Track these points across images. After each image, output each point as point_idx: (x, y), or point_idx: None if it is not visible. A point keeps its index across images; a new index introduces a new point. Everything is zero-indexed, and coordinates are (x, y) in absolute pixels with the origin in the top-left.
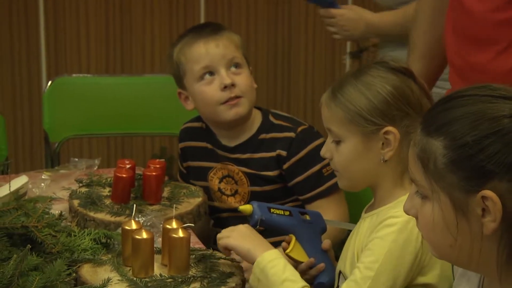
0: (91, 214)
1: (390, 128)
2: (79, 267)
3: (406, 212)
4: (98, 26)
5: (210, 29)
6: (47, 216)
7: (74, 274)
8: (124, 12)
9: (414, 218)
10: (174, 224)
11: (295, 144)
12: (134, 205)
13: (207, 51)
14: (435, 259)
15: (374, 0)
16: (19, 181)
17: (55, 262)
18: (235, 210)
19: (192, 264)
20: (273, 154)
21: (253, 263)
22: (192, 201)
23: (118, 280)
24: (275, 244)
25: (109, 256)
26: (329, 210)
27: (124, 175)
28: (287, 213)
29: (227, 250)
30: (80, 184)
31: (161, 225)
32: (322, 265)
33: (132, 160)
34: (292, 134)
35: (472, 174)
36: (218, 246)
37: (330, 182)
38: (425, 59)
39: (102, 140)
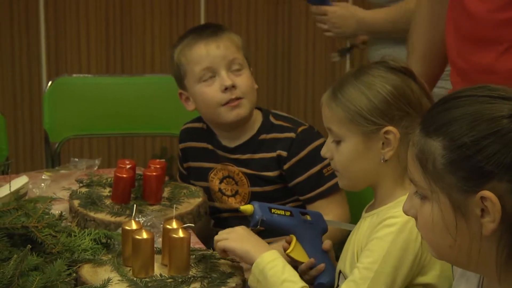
0: (92, 214)
1: (390, 127)
2: (79, 267)
3: (406, 212)
4: (99, 27)
5: (211, 30)
6: (47, 216)
7: (74, 274)
8: (124, 12)
9: (414, 218)
10: (174, 224)
11: (296, 145)
12: (135, 205)
13: (207, 53)
14: (434, 259)
15: None
16: (19, 181)
17: (55, 262)
18: (236, 210)
19: (192, 264)
20: (273, 154)
21: (252, 265)
22: (192, 201)
23: (118, 280)
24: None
25: (109, 256)
26: (330, 210)
27: (124, 175)
28: (288, 213)
29: (225, 252)
30: (81, 184)
31: (161, 225)
32: (322, 265)
33: (133, 160)
34: (292, 135)
35: (471, 175)
36: (215, 249)
37: (330, 182)
38: (425, 60)
39: (103, 140)
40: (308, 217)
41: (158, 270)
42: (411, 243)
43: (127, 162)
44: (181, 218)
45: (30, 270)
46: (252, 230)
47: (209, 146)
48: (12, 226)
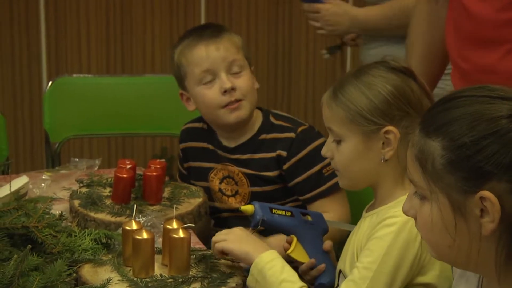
0: (92, 214)
1: (390, 127)
2: (79, 267)
3: (405, 212)
4: (99, 26)
5: (211, 31)
6: (47, 216)
7: (74, 274)
8: (124, 12)
9: (413, 218)
10: (174, 224)
11: (295, 145)
12: (135, 205)
13: (207, 54)
14: (434, 259)
15: None
16: (19, 181)
17: (55, 262)
18: (236, 210)
19: (192, 264)
20: (273, 154)
21: (250, 265)
22: (193, 202)
23: (119, 280)
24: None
25: (110, 256)
26: (330, 210)
27: (124, 175)
28: (288, 213)
29: (222, 253)
30: (81, 184)
31: (162, 225)
32: (323, 266)
33: (133, 160)
34: (292, 135)
35: (470, 175)
36: (213, 250)
37: (330, 182)
38: (425, 60)
39: (103, 140)
40: (309, 218)
41: (158, 270)
42: (410, 243)
43: (127, 162)
44: (181, 218)
45: (31, 270)
46: (252, 230)
47: (210, 146)
48: (13, 226)
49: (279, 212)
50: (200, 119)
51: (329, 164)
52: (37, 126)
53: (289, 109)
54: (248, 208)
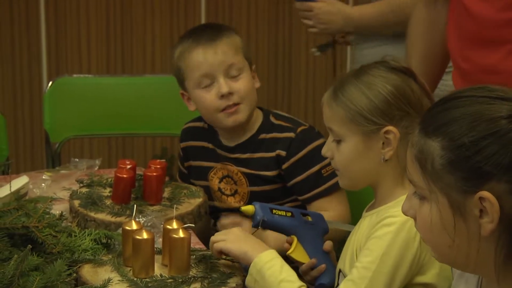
0: (92, 214)
1: (390, 127)
2: (79, 267)
3: (405, 213)
4: (99, 26)
5: (210, 34)
6: (47, 216)
7: (74, 275)
8: (124, 12)
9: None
10: (174, 225)
11: (295, 144)
12: (135, 206)
13: (205, 59)
14: (433, 258)
15: None
16: (19, 181)
17: (55, 262)
18: (235, 210)
19: (192, 265)
20: (272, 154)
21: (249, 265)
22: (193, 202)
23: (119, 280)
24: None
25: (110, 256)
26: (329, 209)
27: (124, 176)
28: (289, 214)
29: (220, 253)
30: (81, 185)
31: (162, 225)
32: (323, 266)
33: (133, 160)
34: (292, 135)
35: (470, 175)
36: (211, 250)
37: (329, 183)
38: (426, 61)
39: (103, 140)
40: (309, 218)
41: (158, 270)
42: (410, 242)
43: (128, 162)
44: (181, 218)
45: (31, 270)
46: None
47: (210, 145)
48: (13, 226)
49: (280, 212)
50: (200, 119)
51: (328, 164)
52: (37, 126)
53: (289, 109)
54: (249, 208)
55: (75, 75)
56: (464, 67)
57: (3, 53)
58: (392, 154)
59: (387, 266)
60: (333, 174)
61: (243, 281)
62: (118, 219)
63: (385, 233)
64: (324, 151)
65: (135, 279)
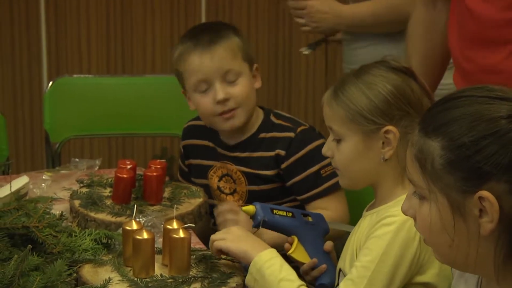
0: (92, 214)
1: (390, 127)
2: (79, 267)
3: (404, 212)
4: (99, 26)
5: (208, 37)
6: (48, 216)
7: (74, 275)
8: (125, 12)
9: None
10: (174, 225)
11: (294, 144)
12: (135, 206)
13: (201, 65)
14: (433, 258)
15: None
16: (20, 182)
17: (55, 262)
18: None
19: (192, 265)
20: (272, 153)
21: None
22: (193, 202)
23: (119, 280)
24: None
25: (110, 256)
26: (328, 208)
27: (125, 176)
28: (289, 214)
29: (220, 252)
30: (81, 185)
31: (162, 225)
32: (324, 266)
33: (133, 160)
34: (291, 134)
35: (469, 175)
36: (211, 249)
37: (328, 183)
38: (425, 63)
39: (103, 140)
40: (310, 219)
41: (158, 270)
42: (409, 242)
43: (128, 162)
44: (181, 218)
45: (31, 270)
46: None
47: (210, 144)
48: (13, 226)
49: (280, 212)
50: None
51: (327, 165)
52: (37, 126)
53: (289, 109)
54: (249, 208)
55: (75, 75)
56: (465, 67)
57: (3, 53)
58: (392, 153)
59: (387, 266)
60: (332, 175)
61: (244, 281)
62: (119, 219)
63: (384, 232)
64: (324, 150)
65: (135, 279)
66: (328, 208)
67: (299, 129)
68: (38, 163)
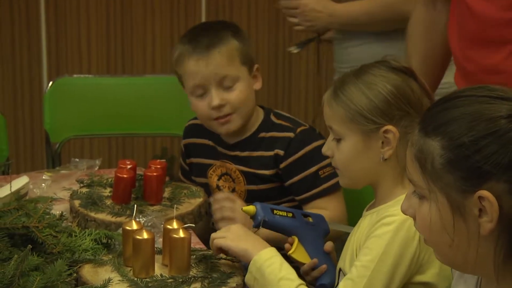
0: (92, 214)
1: (389, 127)
2: (80, 267)
3: (404, 212)
4: (99, 26)
5: (205, 41)
6: (48, 216)
7: (75, 275)
8: (125, 12)
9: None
10: (175, 225)
11: (293, 144)
12: (135, 206)
13: (197, 70)
14: (433, 257)
15: None
16: (20, 182)
17: (56, 262)
18: None
19: (192, 265)
20: (271, 153)
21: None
22: (193, 202)
23: (119, 280)
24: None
25: (110, 256)
26: (326, 210)
27: (125, 176)
28: (290, 214)
29: (220, 250)
30: (81, 185)
31: (162, 225)
32: (324, 266)
33: (133, 160)
34: (291, 134)
35: (469, 175)
36: (211, 247)
37: (326, 184)
38: (426, 63)
39: (103, 140)
40: (310, 219)
41: (158, 270)
42: (409, 241)
43: (128, 162)
44: (181, 218)
45: (31, 270)
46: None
47: (210, 143)
48: (13, 226)
49: (281, 213)
50: None
51: (326, 166)
52: (37, 126)
53: (289, 109)
54: (250, 208)
55: (75, 75)
56: (465, 67)
57: (3, 53)
58: (391, 153)
59: (386, 265)
60: (331, 176)
61: (243, 281)
62: (119, 219)
63: (384, 232)
64: (324, 150)
65: (135, 279)
66: (326, 208)
67: (298, 130)
68: (38, 163)
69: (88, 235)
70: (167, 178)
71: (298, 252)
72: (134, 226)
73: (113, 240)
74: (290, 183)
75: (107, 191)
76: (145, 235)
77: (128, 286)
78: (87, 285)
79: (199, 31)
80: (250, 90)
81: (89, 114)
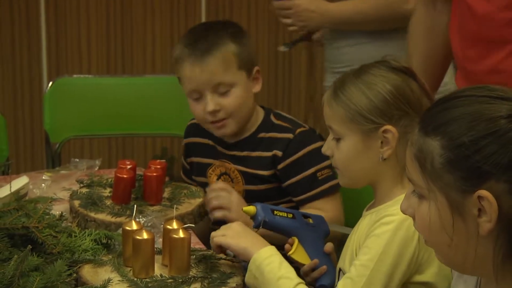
0: (92, 214)
1: (388, 127)
2: (79, 267)
3: (403, 211)
4: (99, 27)
5: (202, 47)
6: (47, 216)
7: (74, 275)
8: (125, 12)
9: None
10: (174, 225)
11: (292, 146)
12: (135, 206)
13: (192, 76)
14: (432, 257)
15: None
16: (19, 182)
17: (55, 262)
18: None
19: (192, 265)
20: (269, 154)
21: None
22: (193, 202)
23: (119, 280)
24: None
25: (110, 256)
26: (322, 211)
27: (124, 176)
28: (290, 215)
29: (220, 248)
30: (81, 185)
31: (162, 225)
32: (324, 267)
33: (133, 160)
34: (290, 135)
35: (469, 174)
36: (211, 244)
37: (323, 186)
38: (427, 63)
39: (103, 140)
40: (310, 220)
41: (158, 270)
42: (408, 241)
43: (128, 162)
44: (181, 219)
45: (31, 270)
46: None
47: (210, 142)
48: (13, 227)
49: (281, 214)
50: None
51: (324, 168)
52: (37, 126)
53: (289, 109)
54: (250, 209)
55: (75, 76)
56: (466, 67)
57: (3, 53)
58: (390, 153)
59: (385, 265)
60: (329, 178)
61: (243, 281)
62: (118, 219)
63: (383, 231)
64: (324, 149)
65: (135, 279)
66: (323, 210)
67: (298, 131)
68: (38, 163)
69: (88, 235)
70: (167, 178)
71: (298, 253)
72: (134, 226)
73: (113, 240)
74: (287, 184)
75: (107, 191)
76: (145, 235)
77: (128, 286)
78: (87, 285)
79: (198, 34)
80: (247, 95)
81: (89, 114)
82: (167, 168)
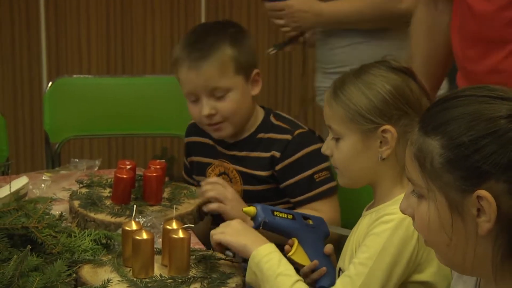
0: (92, 215)
1: (387, 126)
2: (79, 267)
3: (403, 211)
4: (99, 27)
5: (199, 50)
6: (47, 216)
7: (74, 275)
8: (125, 12)
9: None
10: (174, 225)
11: (290, 147)
12: (135, 206)
13: (189, 79)
14: (432, 256)
15: None
16: (19, 182)
17: (55, 262)
18: None
19: (192, 265)
20: (267, 154)
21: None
22: (193, 202)
23: (118, 280)
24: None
25: (109, 256)
26: (320, 211)
27: (124, 176)
28: (290, 216)
29: (220, 245)
30: (81, 185)
31: (161, 225)
32: (324, 269)
33: (133, 161)
34: (288, 137)
35: (468, 174)
36: (211, 242)
37: (321, 188)
38: (428, 63)
39: (103, 140)
40: (310, 222)
41: (158, 270)
42: (407, 240)
43: (127, 162)
44: (181, 219)
45: (30, 270)
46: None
47: (210, 142)
48: (12, 227)
49: (281, 214)
50: None
51: (322, 170)
52: (37, 126)
53: (289, 109)
54: (250, 210)
55: (75, 76)
56: (466, 67)
57: (3, 53)
58: (389, 153)
59: (384, 263)
60: (326, 180)
61: (243, 281)
62: (118, 219)
63: (383, 230)
64: (324, 149)
65: (135, 279)
66: (320, 211)
67: (296, 132)
68: (38, 164)
69: (88, 235)
70: (166, 179)
71: (298, 254)
72: (134, 226)
73: (112, 240)
74: (285, 185)
75: (106, 192)
76: (144, 236)
77: (128, 286)
78: (86, 285)
79: (197, 36)
80: (244, 99)
81: (89, 114)
82: (167, 168)
